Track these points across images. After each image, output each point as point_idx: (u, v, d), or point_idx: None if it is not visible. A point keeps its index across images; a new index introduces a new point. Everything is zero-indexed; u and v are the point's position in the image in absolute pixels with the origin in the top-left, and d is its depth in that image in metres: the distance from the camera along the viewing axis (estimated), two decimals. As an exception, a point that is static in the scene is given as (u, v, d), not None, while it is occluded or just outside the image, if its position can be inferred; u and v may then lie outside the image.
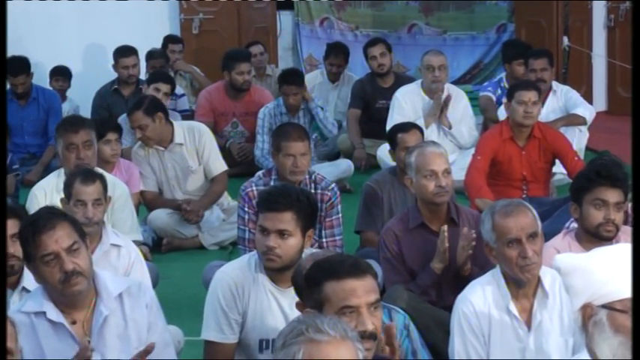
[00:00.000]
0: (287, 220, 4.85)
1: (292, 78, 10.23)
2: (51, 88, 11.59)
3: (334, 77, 11.78)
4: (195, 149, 8.50)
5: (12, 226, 5.01)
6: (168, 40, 12.26)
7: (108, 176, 6.86)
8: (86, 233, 4.63)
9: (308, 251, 4.92)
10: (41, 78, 11.67)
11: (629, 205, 5.95)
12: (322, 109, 10.30)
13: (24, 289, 5.08)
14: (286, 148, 6.80)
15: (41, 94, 11.14)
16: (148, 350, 4.33)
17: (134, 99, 9.96)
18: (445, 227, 5.81)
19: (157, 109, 8.40)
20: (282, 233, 4.83)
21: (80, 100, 11.77)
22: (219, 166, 8.61)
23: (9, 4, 12.37)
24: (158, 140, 8.41)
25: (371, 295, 3.93)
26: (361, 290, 3.91)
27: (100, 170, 6.63)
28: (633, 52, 4.88)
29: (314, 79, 11.78)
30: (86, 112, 10.83)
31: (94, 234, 5.71)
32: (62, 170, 7.12)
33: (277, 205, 4.86)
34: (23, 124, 10.83)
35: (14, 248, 4.93)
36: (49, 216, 4.50)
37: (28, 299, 4.61)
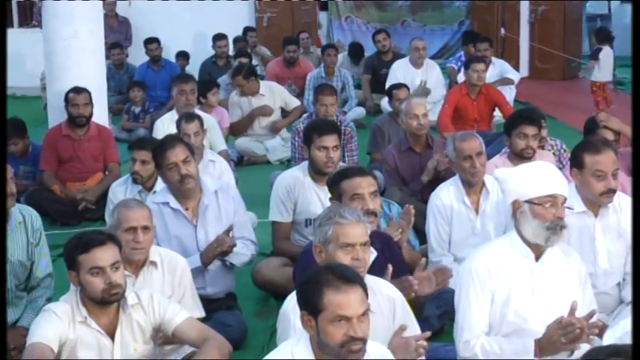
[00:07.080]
0: (335, 139, 4.86)
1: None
2: (175, 62, 11.50)
3: (355, 62, 11.54)
4: (273, 97, 8.56)
5: (146, 154, 5.11)
6: (248, 29, 12.15)
7: (207, 116, 6.91)
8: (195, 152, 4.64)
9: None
10: (167, 54, 11.54)
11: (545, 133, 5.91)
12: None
13: (155, 191, 5.11)
14: (320, 100, 6.82)
15: (167, 64, 11.14)
16: (229, 230, 4.36)
17: (226, 68, 10.14)
18: (438, 156, 5.73)
19: (250, 74, 8.51)
20: (335, 148, 4.83)
21: (189, 69, 11.68)
22: (294, 102, 8.74)
23: (145, 6, 12.43)
24: (250, 92, 8.47)
25: (372, 186, 3.92)
26: (365, 183, 3.90)
27: (199, 112, 6.61)
28: (633, 50, 4.50)
29: (341, 58, 11.52)
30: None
31: (198, 154, 5.66)
32: (174, 109, 7.12)
33: (329, 130, 4.87)
34: (156, 83, 10.74)
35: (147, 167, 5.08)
36: (172, 139, 4.55)
37: (157, 194, 4.63)
